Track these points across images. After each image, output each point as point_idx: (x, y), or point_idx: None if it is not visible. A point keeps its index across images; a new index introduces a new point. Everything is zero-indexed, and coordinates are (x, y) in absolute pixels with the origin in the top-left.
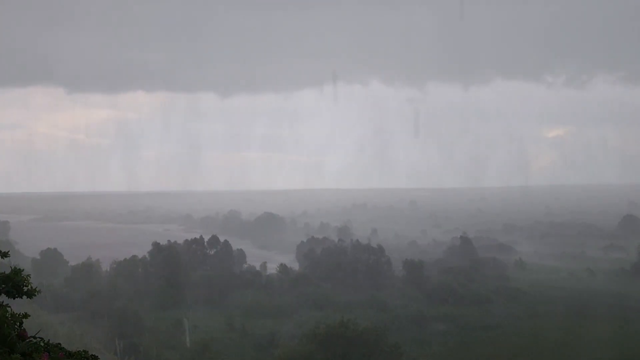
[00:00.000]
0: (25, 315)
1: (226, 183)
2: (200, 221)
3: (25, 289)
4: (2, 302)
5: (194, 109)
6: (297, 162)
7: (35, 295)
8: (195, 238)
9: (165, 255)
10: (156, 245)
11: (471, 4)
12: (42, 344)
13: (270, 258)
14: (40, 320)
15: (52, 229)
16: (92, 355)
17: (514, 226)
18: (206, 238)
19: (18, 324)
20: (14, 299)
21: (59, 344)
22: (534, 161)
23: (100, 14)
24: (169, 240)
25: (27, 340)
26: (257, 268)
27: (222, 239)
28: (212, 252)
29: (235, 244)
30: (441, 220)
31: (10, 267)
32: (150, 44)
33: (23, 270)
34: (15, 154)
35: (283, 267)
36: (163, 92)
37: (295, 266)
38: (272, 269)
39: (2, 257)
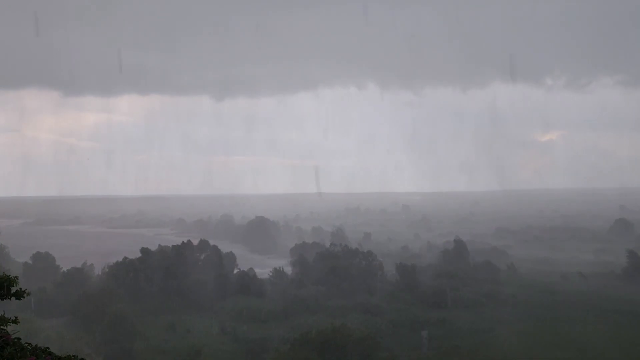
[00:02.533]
0: (15, 321)
1: (219, 187)
2: (193, 225)
3: (13, 290)
4: None
5: (188, 112)
6: (290, 166)
7: (23, 297)
8: (184, 242)
9: (156, 260)
10: (144, 250)
11: (470, 6)
12: (29, 348)
13: (262, 262)
14: (31, 325)
15: (44, 234)
16: (81, 359)
17: (506, 230)
18: (197, 243)
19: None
20: (2, 300)
21: (47, 348)
22: (527, 165)
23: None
24: (159, 245)
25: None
26: (248, 272)
27: (214, 244)
28: (202, 257)
29: (228, 248)
30: (434, 224)
31: None
32: (145, 46)
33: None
34: (8, 158)
35: (276, 272)
36: (157, 95)
37: (288, 270)
38: (265, 273)
39: None
